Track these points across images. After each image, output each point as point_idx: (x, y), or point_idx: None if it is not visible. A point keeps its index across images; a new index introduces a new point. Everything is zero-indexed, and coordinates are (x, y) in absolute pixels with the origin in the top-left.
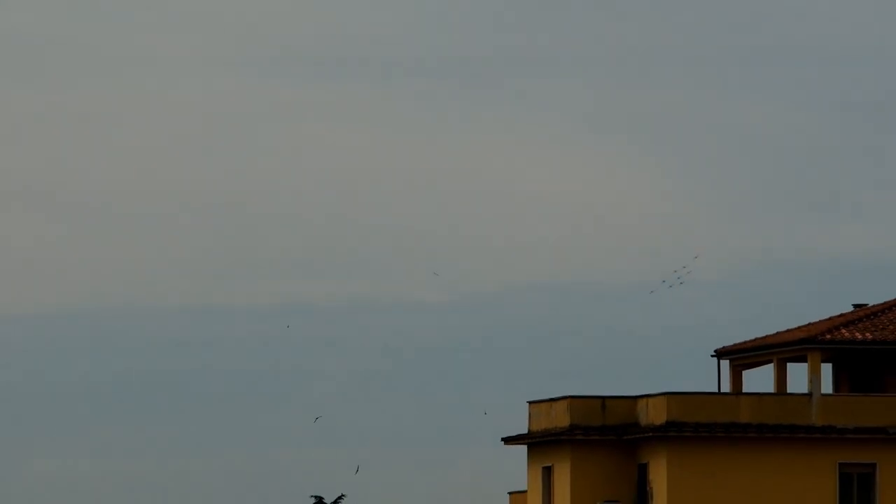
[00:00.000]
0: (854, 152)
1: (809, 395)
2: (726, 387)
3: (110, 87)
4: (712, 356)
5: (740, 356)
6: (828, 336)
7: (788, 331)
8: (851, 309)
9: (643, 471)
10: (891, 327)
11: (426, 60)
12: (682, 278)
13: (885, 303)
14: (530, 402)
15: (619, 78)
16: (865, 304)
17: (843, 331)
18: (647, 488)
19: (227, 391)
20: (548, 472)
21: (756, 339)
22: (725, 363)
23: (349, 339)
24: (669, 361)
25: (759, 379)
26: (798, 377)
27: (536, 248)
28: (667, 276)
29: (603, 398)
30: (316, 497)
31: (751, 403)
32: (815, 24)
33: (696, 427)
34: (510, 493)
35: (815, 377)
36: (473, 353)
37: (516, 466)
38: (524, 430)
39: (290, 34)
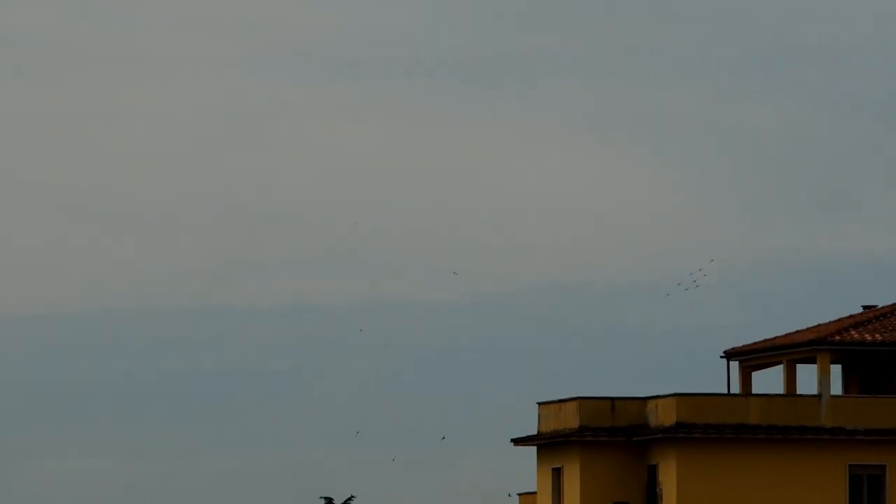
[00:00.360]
0: (863, 153)
1: (819, 396)
2: (736, 388)
3: (112, 86)
4: (722, 357)
5: (750, 357)
6: (837, 337)
7: (798, 332)
8: (861, 310)
9: (653, 472)
10: None
11: (426, 61)
12: (697, 281)
13: (894, 304)
14: (540, 404)
15: (622, 78)
16: (875, 306)
17: (853, 332)
18: (657, 490)
19: (236, 392)
20: (557, 474)
21: (765, 341)
22: (735, 364)
23: (358, 339)
24: (679, 362)
25: (769, 380)
26: (808, 378)
27: (545, 249)
28: (677, 277)
29: (612, 399)
30: (326, 498)
31: (760, 405)
32: (820, 24)
33: (705, 428)
34: (520, 495)
35: (824, 378)
36: (482, 354)
37: (526, 468)
38: (534, 432)
39: (289, 34)
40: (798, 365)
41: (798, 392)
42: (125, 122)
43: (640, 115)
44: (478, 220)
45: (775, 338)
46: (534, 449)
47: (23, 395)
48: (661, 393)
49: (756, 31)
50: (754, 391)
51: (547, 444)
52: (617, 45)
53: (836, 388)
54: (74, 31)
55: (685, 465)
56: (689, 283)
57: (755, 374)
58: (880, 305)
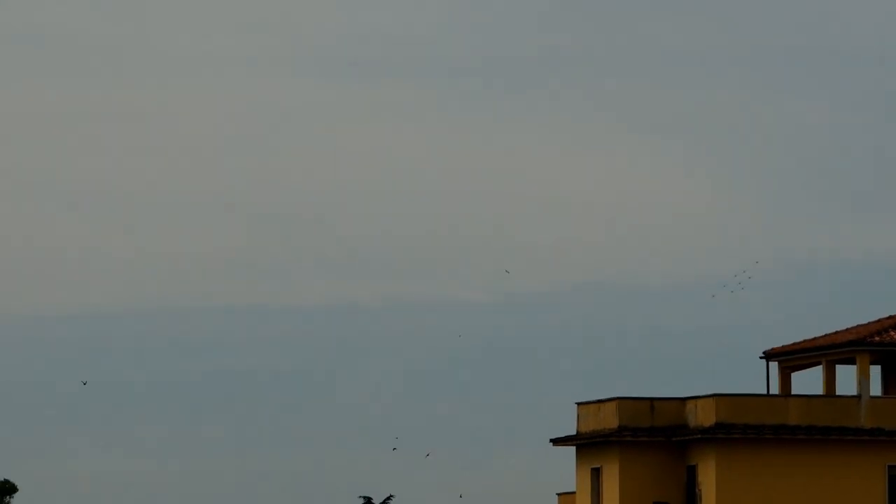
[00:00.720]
0: None
1: (858, 397)
2: (775, 389)
3: (112, 86)
4: (761, 358)
5: (789, 358)
6: (877, 338)
7: (837, 333)
8: None
9: (692, 472)
10: None
11: (429, 61)
12: (742, 283)
13: None
14: (579, 404)
15: (649, 77)
16: None
17: (892, 333)
18: (696, 490)
19: (275, 392)
20: (596, 474)
21: (805, 341)
22: (774, 365)
23: (397, 339)
24: (718, 363)
25: (808, 381)
26: (847, 379)
27: (586, 250)
28: (717, 277)
29: (651, 399)
30: (365, 497)
31: (799, 405)
32: (856, 25)
33: (744, 429)
34: (559, 495)
35: (863, 379)
36: (522, 354)
37: (565, 467)
38: (573, 432)
39: (291, 34)
40: (837, 365)
41: (837, 393)
42: (126, 122)
43: (687, 117)
44: (526, 221)
45: (815, 338)
46: (573, 449)
47: (26, 396)
48: (701, 393)
49: (793, 30)
50: (794, 392)
51: (586, 444)
52: (648, 45)
53: (876, 388)
54: (76, 31)
55: (724, 465)
56: (733, 284)
57: (794, 375)
58: None
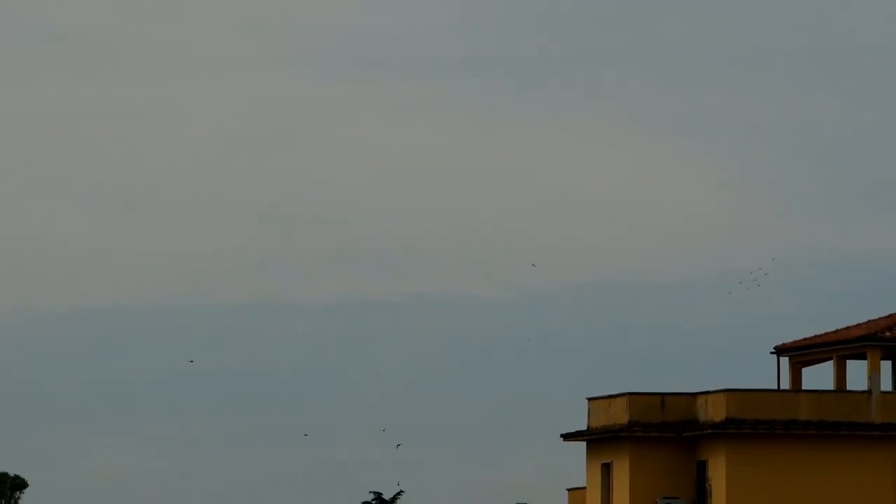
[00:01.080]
0: None
1: (869, 392)
2: (786, 384)
3: (114, 87)
4: (772, 353)
5: (800, 353)
6: (888, 333)
7: (848, 328)
8: None
9: (702, 468)
10: None
11: (431, 61)
12: (758, 280)
13: None
14: (590, 399)
15: (662, 75)
16: None
17: None
18: (706, 485)
19: (286, 389)
20: (607, 469)
21: (816, 337)
22: (785, 360)
23: (408, 336)
24: (729, 358)
25: (819, 376)
26: (857, 374)
27: (597, 247)
28: (730, 273)
29: (662, 395)
30: (374, 493)
31: (810, 401)
32: (856, 25)
33: (755, 424)
34: (569, 490)
35: (874, 375)
36: (533, 350)
37: (575, 463)
38: (583, 427)
39: (293, 34)
40: (848, 361)
41: (848, 388)
42: (126, 122)
43: (676, 116)
44: (539, 219)
45: (825, 333)
46: (583, 444)
47: (28, 396)
48: (711, 388)
49: (806, 30)
50: (804, 387)
51: (597, 439)
52: (668, 43)
53: (886, 383)
54: (77, 30)
55: (735, 460)
56: (749, 281)
57: (805, 370)
58: None
